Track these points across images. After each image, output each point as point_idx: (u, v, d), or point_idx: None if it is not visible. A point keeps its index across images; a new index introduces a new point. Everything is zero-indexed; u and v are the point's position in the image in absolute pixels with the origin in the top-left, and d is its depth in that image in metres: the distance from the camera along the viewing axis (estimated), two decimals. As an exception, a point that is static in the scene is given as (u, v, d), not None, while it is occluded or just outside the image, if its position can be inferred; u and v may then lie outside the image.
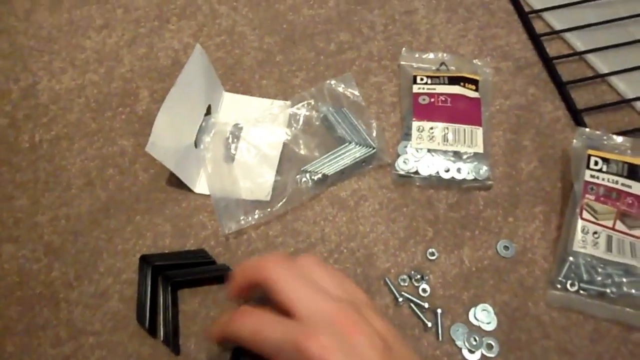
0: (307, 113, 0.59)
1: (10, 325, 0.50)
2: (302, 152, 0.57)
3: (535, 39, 0.65)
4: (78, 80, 0.64)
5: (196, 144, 0.56)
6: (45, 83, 0.64)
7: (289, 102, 0.60)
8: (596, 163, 0.51)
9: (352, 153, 0.55)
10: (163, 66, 0.65)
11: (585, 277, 0.47)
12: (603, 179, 0.50)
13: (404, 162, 0.55)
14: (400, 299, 0.48)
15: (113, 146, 0.59)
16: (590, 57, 0.63)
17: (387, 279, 0.50)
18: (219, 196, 0.54)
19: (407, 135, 0.57)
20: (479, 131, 0.55)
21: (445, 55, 0.62)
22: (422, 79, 0.59)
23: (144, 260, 0.50)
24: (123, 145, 0.59)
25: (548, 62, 0.63)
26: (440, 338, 0.47)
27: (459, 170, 0.54)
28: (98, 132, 0.60)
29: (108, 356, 0.48)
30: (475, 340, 0.46)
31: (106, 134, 0.60)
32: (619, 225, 0.48)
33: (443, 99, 0.58)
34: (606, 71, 0.61)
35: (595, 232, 0.48)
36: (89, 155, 0.59)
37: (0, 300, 0.51)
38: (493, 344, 0.46)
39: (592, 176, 0.51)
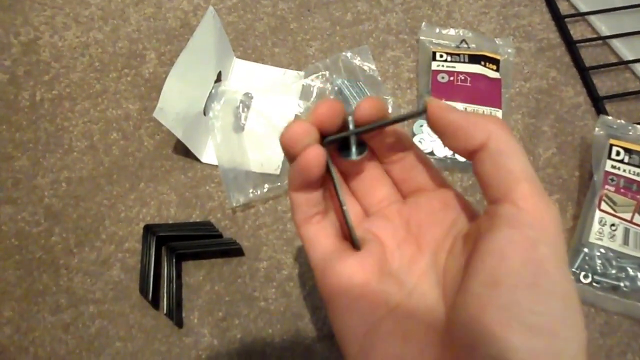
0: (321, 85, 0.57)
1: (9, 289, 0.48)
2: (314, 125, 0.55)
3: (559, 20, 0.63)
4: (82, 37, 0.62)
5: (205, 112, 0.54)
6: (47, 39, 0.61)
7: (302, 73, 0.58)
8: (618, 153, 0.50)
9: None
10: (171, 28, 0.62)
11: (599, 269, 0.47)
12: (624, 170, 0.49)
13: (420, 142, 0.53)
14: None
15: (117, 109, 0.57)
16: (615, 43, 0.61)
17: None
18: (227, 167, 0.52)
19: (423, 114, 0.55)
20: (498, 113, 0.54)
21: (466, 32, 0.60)
22: (441, 56, 0.57)
23: (148, 229, 0.49)
24: (128, 108, 0.57)
25: (571, 45, 0.61)
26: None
27: (475, 153, 0.52)
28: (102, 94, 0.58)
29: (109, 326, 0.47)
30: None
31: (110, 96, 0.58)
32: (638, 219, 0.47)
33: (463, 77, 0.56)
34: (630, 58, 0.59)
35: (612, 224, 0.47)
36: (92, 117, 0.57)
37: (-2, 263, 0.50)
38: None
39: (613, 167, 0.49)
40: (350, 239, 0.28)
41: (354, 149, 0.28)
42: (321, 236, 0.28)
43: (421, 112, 0.26)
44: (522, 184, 0.23)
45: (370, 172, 0.31)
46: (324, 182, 0.28)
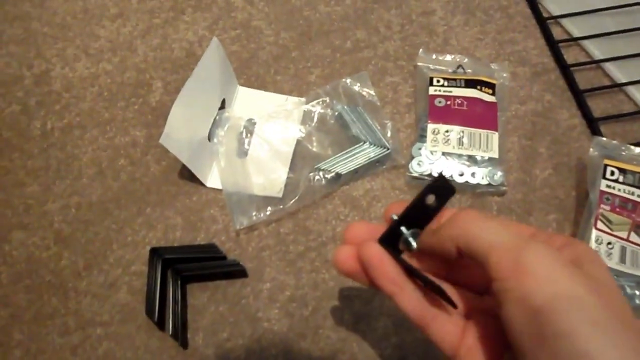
0: (322, 111, 0.59)
1: (19, 313, 0.50)
2: (316, 149, 0.56)
3: (553, 45, 0.64)
4: (91, 68, 0.64)
5: (209, 138, 0.56)
6: (59, 70, 0.64)
7: (303, 99, 0.60)
8: (612, 173, 0.51)
9: (366, 153, 0.55)
10: (177, 57, 0.65)
11: (597, 287, 0.47)
12: (619, 190, 0.50)
13: (418, 164, 0.55)
14: (411, 302, 0.48)
15: (125, 136, 0.59)
16: (608, 66, 0.62)
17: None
18: (231, 191, 0.54)
19: (421, 137, 0.56)
20: (494, 136, 0.55)
21: (462, 57, 0.62)
22: (438, 81, 0.59)
23: (155, 252, 0.50)
24: (135, 135, 0.59)
25: (565, 69, 0.62)
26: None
27: (473, 174, 0.54)
28: (110, 122, 0.60)
29: (116, 347, 0.48)
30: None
31: (118, 124, 0.60)
32: (634, 237, 0.48)
33: (459, 102, 0.57)
34: (624, 81, 0.61)
35: (609, 243, 0.48)
36: (100, 145, 0.59)
37: (9, 287, 0.51)
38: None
39: (608, 186, 0.50)
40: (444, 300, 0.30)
41: (410, 239, 0.32)
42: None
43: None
44: (489, 260, 0.25)
45: None
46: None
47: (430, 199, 0.32)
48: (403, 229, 0.32)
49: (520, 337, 0.23)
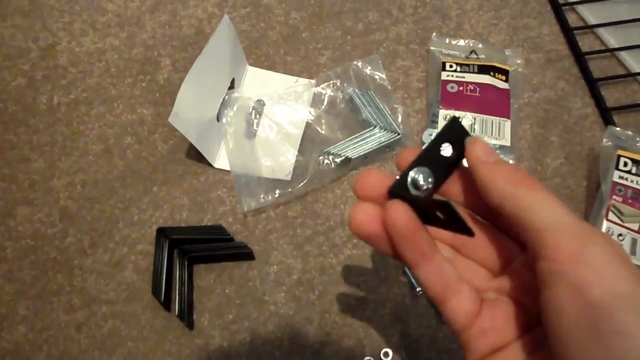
0: (332, 93, 0.58)
1: (24, 288, 0.49)
2: (325, 133, 0.56)
3: (568, 32, 0.63)
4: (98, 43, 0.63)
5: (218, 118, 0.55)
6: (65, 44, 0.63)
7: (313, 81, 0.59)
8: (625, 164, 0.50)
9: (376, 137, 0.54)
10: (186, 35, 0.63)
11: (606, 278, 0.47)
12: (632, 181, 0.49)
13: (429, 150, 0.54)
14: (418, 289, 0.48)
15: (132, 114, 0.58)
16: (623, 55, 0.61)
17: (405, 268, 0.49)
18: (239, 172, 0.53)
19: (433, 123, 0.56)
20: (507, 123, 0.54)
21: (475, 42, 0.61)
22: (451, 66, 0.58)
23: (162, 232, 0.50)
24: (142, 113, 0.58)
25: (579, 57, 0.61)
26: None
27: (484, 162, 0.53)
28: (117, 99, 0.59)
29: (121, 326, 0.48)
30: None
31: (125, 101, 0.59)
32: (645, 229, 0.48)
33: (472, 88, 0.56)
34: (638, 70, 0.60)
35: (620, 234, 0.48)
36: (107, 122, 0.58)
37: (14, 262, 0.51)
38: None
39: (620, 177, 0.50)
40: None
41: (419, 178, 0.28)
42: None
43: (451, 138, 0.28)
44: (545, 238, 0.23)
45: None
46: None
47: (447, 150, 0.29)
48: (412, 172, 0.28)
49: (568, 325, 0.22)
